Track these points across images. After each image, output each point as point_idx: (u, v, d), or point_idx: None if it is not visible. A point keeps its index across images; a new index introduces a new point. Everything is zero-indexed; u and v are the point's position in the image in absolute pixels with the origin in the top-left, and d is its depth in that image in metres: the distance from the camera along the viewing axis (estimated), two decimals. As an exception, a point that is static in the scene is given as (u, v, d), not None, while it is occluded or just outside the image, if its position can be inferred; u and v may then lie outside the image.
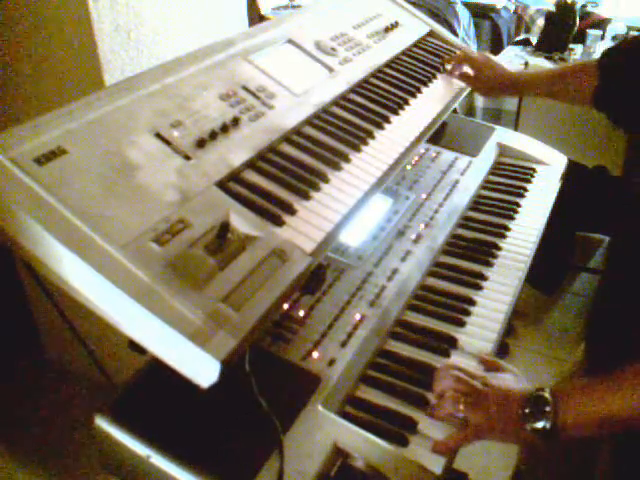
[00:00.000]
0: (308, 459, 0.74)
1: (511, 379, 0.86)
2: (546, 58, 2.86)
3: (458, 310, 1.04)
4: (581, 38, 2.85)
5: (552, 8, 3.06)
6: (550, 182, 1.44)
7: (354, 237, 1.10)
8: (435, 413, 0.84)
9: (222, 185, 0.79)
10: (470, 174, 1.38)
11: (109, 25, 1.46)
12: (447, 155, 1.43)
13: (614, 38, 2.83)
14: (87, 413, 0.79)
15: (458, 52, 1.42)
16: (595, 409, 0.76)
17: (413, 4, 1.57)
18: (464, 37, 3.32)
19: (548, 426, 0.76)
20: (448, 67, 1.36)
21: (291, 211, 0.81)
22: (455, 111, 1.90)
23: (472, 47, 3.23)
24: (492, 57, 1.35)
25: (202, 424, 0.75)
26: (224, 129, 0.86)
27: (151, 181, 0.73)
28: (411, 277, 1.07)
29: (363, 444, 0.77)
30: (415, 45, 1.40)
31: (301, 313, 0.94)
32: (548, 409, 0.76)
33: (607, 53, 1.15)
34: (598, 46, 2.75)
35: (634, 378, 0.75)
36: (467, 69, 1.34)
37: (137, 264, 0.64)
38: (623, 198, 1.03)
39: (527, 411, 0.78)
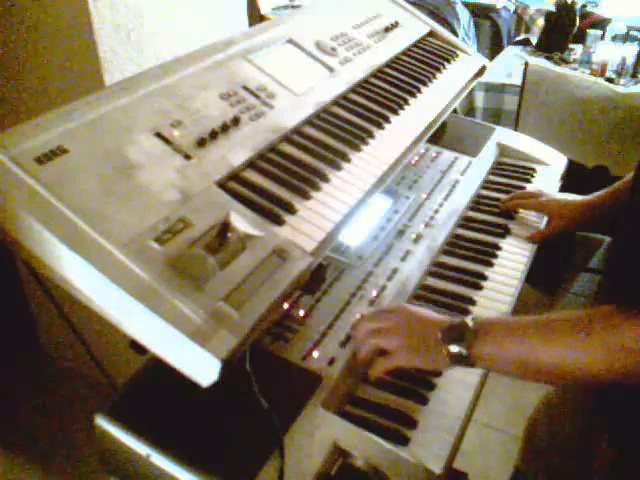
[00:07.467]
0: (308, 458, 0.74)
1: (430, 311, 0.88)
2: (546, 58, 2.87)
3: (458, 310, 1.04)
4: (581, 38, 2.86)
5: (552, 8, 3.07)
6: (550, 182, 1.44)
7: (354, 237, 1.10)
8: (357, 359, 0.86)
9: (222, 184, 0.79)
10: (470, 174, 1.38)
11: (109, 25, 1.46)
12: (447, 155, 1.43)
13: (614, 38, 2.83)
14: (87, 413, 0.79)
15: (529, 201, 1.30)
16: (516, 349, 0.77)
17: (413, 4, 1.57)
18: (464, 37, 3.32)
19: (465, 353, 0.78)
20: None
21: (291, 210, 0.81)
22: (455, 111, 1.90)
23: (472, 47, 3.23)
24: (555, 195, 1.27)
25: (202, 423, 0.75)
26: (224, 128, 0.86)
27: (151, 180, 0.73)
28: (411, 277, 1.07)
29: (363, 443, 0.77)
30: (415, 45, 1.40)
31: (301, 312, 0.94)
32: (467, 336, 0.78)
33: None
34: (598, 46, 2.76)
35: (564, 329, 0.75)
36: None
37: (138, 263, 0.64)
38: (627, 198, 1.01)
39: (447, 334, 0.79)
